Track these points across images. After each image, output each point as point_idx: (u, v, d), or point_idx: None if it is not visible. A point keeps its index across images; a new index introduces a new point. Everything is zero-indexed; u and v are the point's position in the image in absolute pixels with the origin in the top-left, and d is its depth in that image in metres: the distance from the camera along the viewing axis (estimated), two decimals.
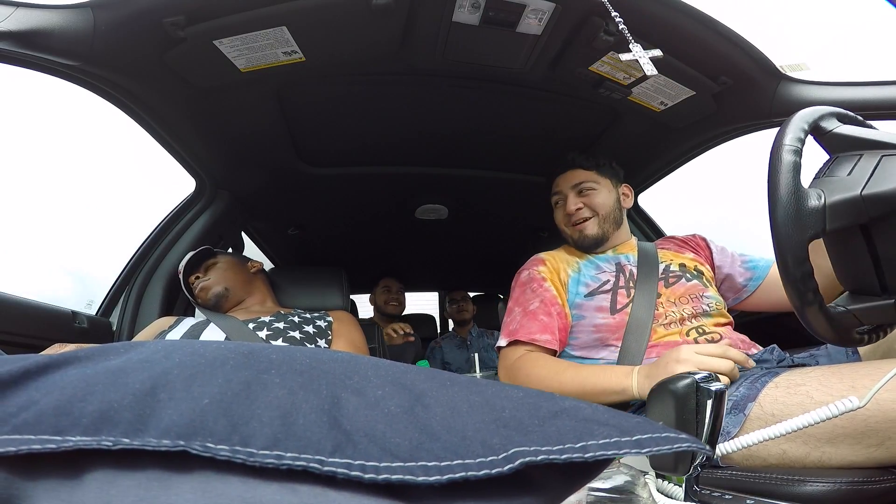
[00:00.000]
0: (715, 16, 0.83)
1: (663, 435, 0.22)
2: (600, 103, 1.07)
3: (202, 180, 1.22)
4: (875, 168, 0.44)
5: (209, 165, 1.19)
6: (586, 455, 0.20)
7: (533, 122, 1.17)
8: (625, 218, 1.04)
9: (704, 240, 1.04)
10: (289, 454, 0.18)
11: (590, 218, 0.98)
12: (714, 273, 0.99)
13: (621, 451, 0.21)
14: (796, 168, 0.46)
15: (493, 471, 0.19)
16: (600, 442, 0.21)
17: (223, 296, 1.11)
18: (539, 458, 0.20)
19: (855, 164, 0.46)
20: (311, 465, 0.18)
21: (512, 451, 0.20)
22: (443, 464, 0.19)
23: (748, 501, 0.48)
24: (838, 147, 0.49)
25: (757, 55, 0.89)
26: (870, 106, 0.85)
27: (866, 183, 0.43)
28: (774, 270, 0.93)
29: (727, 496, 0.50)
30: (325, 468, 0.18)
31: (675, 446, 0.21)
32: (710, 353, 0.65)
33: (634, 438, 0.21)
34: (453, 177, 1.42)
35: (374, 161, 1.33)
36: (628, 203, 1.05)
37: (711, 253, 1.01)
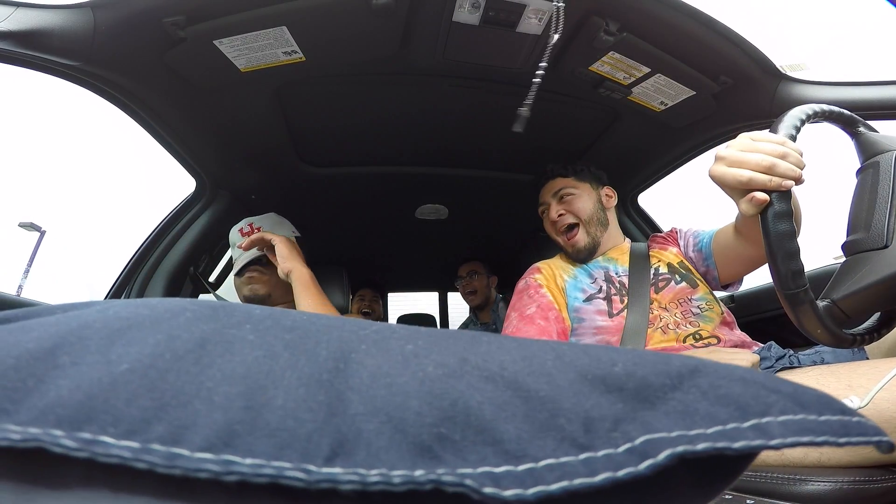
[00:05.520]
0: (715, 16, 0.83)
1: (855, 420, 0.14)
2: (600, 103, 1.07)
3: (202, 180, 1.22)
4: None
5: (209, 165, 1.19)
6: (771, 442, 0.13)
7: (533, 122, 1.17)
8: (612, 219, 1.06)
9: (676, 231, 1.05)
10: (247, 460, 0.11)
11: (575, 225, 1.00)
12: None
13: (815, 439, 0.14)
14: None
15: (621, 473, 0.12)
16: (780, 419, 0.14)
17: (261, 301, 0.99)
18: (699, 446, 0.13)
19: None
20: (289, 475, 0.11)
21: (642, 437, 0.13)
22: (521, 467, 0.12)
23: (748, 501, 0.48)
24: None
25: (757, 55, 0.89)
26: (870, 106, 0.85)
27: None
28: (718, 234, 0.91)
29: (727, 496, 0.50)
30: (316, 480, 0.11)
31: (876, 438, 0.14)
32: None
33: (823, 419, 0.14)
34: (453, 177, 1.42)
35: (374, 161, 1.33)
36: (611, 203, 1.07)
37: (680, 247, 1.01)
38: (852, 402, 0.38)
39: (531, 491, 0.12)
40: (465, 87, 1.03)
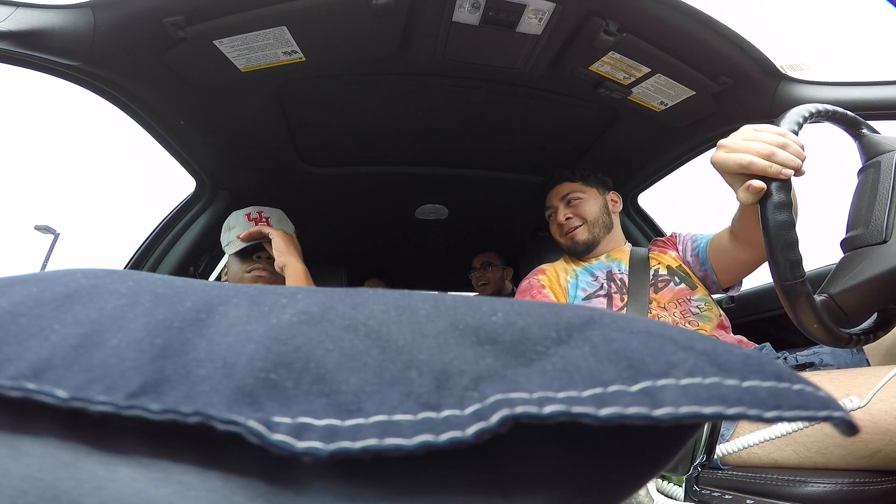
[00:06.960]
0: (715, 16, 0.83)
1: (796, 388, 0.11)
2: (600, 103, 1.07)
3: (202, 180, 1.22)
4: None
5: (209, 165, 1.19)
6: (656, 412, 0.10)
7: (533, 122, 1.17)
8: (616, 224, 1.08)
9: (675, 235, 1.05)
10: (39, 386, 0.12)
11: (580, 226, 1.04)
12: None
13: (726, 410, 0.10)
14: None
15: (443, 438, 0.10)
16: (683, 383, 0.11)
17: None
18: (547, 410, 0.10)
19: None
20: (43, 390, 0.11)
21: (494, 397, 0.11)
22: (348, 422, 0.11)
23: (748, 502, 0.48)
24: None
25: (757, 55, 0.89)
26: (870, 106, 0.85)
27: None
28: (714, 238, 0.92)
29: (727, 496, 0.50)
30: (67, 399, 0.11)
31: (823, 413, 0.11)
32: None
33: (746, 385, 0.11)
34: (453, 177, 1.42)
35: (374, 161, 1.33)
36: (617, 208, 1.10)
37: (678, 251, 1.02)
38: (852, 401, 0.38)
39: (331, 447, 0.10)
40: (465, 87, 1.03)
